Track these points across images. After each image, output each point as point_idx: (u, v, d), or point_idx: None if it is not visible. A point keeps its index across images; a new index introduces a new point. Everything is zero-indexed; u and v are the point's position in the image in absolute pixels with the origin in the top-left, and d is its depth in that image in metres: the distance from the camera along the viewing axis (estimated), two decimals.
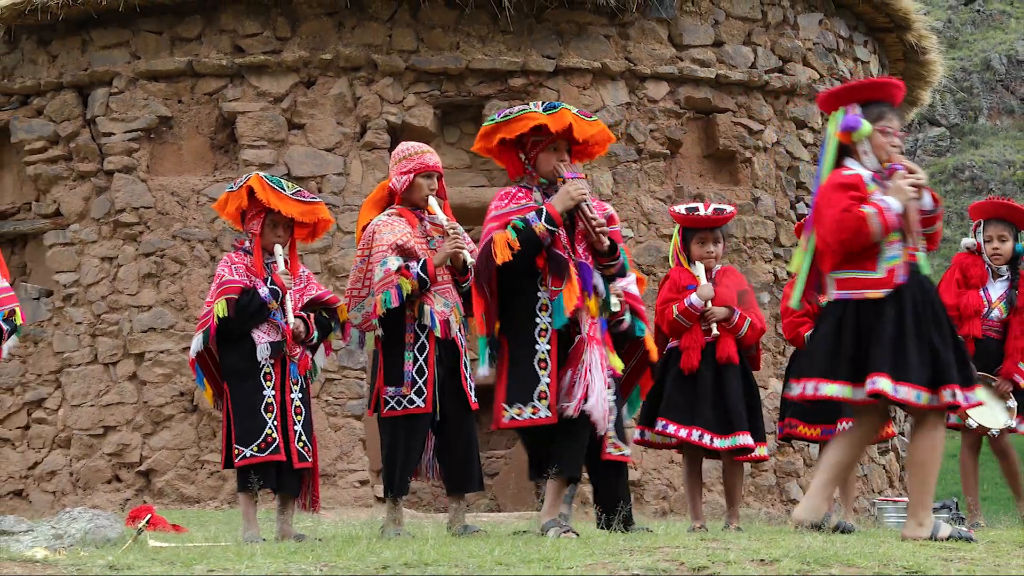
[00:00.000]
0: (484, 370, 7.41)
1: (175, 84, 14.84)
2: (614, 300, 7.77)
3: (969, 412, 9.19)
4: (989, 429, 9.38)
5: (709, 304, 8.89)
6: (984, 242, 9.52)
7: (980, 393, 9.21)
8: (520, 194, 7.40)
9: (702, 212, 9.08)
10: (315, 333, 8.71)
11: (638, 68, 15.18)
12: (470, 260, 8.31)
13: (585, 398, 7.20)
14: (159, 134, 14.83)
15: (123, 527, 7.84)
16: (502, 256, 7.14)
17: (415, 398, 8.20)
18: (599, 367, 7.29)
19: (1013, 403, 9.32)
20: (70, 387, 14.73)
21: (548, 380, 7.17)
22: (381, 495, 8.57)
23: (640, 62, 15.23)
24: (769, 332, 15.26)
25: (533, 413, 7.13)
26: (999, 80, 58.95)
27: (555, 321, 7.25)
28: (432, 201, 8.49)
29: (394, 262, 8.15)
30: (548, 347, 7.22)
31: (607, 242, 7.49)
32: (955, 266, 9.63)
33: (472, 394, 8.48)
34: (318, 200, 8.89)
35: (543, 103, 7.56)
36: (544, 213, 7.22)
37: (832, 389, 6.45)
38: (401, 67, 14.67)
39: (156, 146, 14.84)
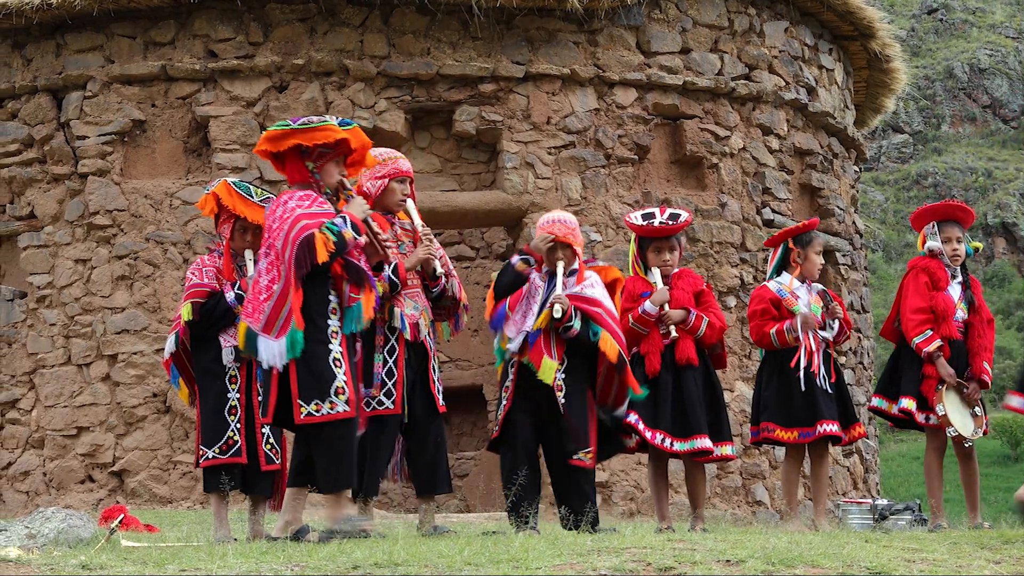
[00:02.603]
0: (280, 362, 7.30)
1: (148, 88, 14.86)
2: (556, 308, 8.00)
3: (953, 421, 9.26)
4: (966, 439, 9.39)
5: (665, 307, 8.92)
6: (943, 243, 9.47)
7: (952, 401, 9.33)
8: (320, 198, 7.56)
9: (657, 221, 9.06)
10: None
11: (606, 74, 15.28)
12: (440, 269, 8.50)
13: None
14: (132, 138, 14.85)
15: (96, 527, 7.91)
16: (323, 254, 7.28)
17: (384, 400, 8.29)
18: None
19: (979, 410, 9.28)
20: (44, 388, 14.74)
21: (345, 378, 7.31)
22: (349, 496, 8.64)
23: (608, 68, 15.33)
24: (735, 336, 15.39)
25: (331, 408, 7.25)
26: (961, 88, 59.16)
27: (348, 327, 7.45)
28: (410, 205, 8.62)
29: None
30: (340, 348, 7.37)
31: (390, 255, 7.92)
32: (918, 270, 9.50)
33: (440, 397, 8.59)
34: None
35: (337, 118, 7.75)
36: (349, 220, 7.43)
37: None
38: (373, 72, 14.74)
39: (129, 149, 14.86)
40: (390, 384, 8.30)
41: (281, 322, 7.26)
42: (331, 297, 7.43)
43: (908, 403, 9.43)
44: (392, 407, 8.30)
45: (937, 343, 9.24)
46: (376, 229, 7.72)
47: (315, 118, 7.68)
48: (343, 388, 7.29)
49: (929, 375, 9.31)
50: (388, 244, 7.86)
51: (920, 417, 9.42)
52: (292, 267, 7.28)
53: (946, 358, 9.28)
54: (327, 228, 7.33)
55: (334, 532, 7.23)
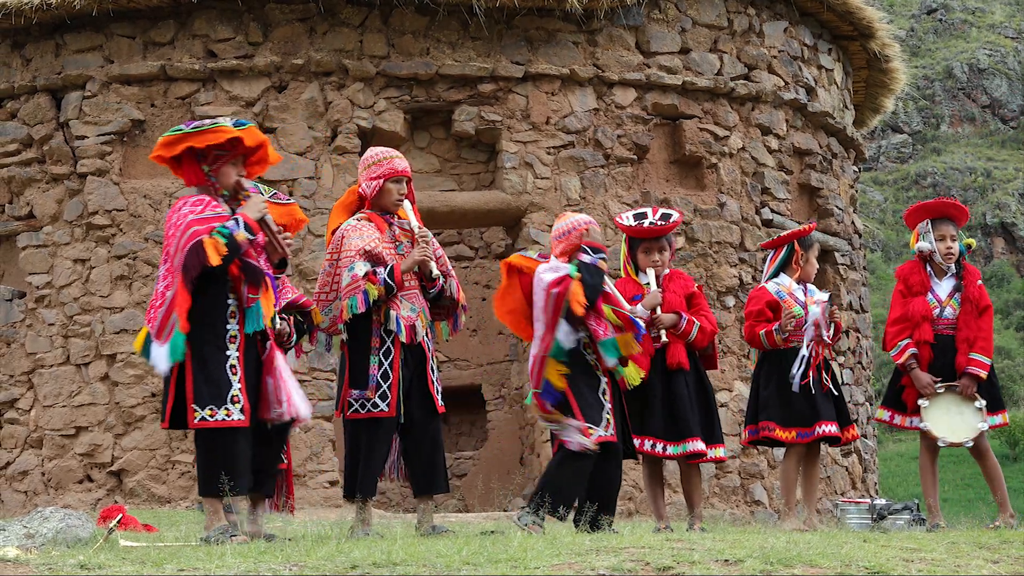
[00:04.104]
0: (165, 366, 7.47)
1: (148, 88, 14.86)
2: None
3: (936, 432, 9.25)
4: (962, 443, 9.36)
5: (657, 311, 8.93)
6: (937, 241, 9.40)
7: (945, 402, 9.29)
8: (214, 202, 7.67)
9: (648, 222, 9.08)
10: (295, 336, 8.74)
11: (606, 74, 15.29)
12: (436, 272, 8.48)
13: (290, 401, 7.69)
14: (132, 137, 14.85)
15: (94, 527, 7.91)
16: (215, 258, 7.39)
17: (379, 402, 8.26)
18: (289, 371, 7.82)
19: (981, 403, 9.22)
20: (42, 388, 14.74)
21: (240, 385, 7.47)
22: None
23: (608, 68, 15.34)
24: (734, 336, 15.39)
25: (227, 415, 7.40)
26: (960, 88, 59.18)
27: (250, 326, 7.58)
28: (406, 206, 8.60)
29: (361, 267, 8.26)
30: (237, 353, 7.52)
31: (288, 252, 7.99)
32: (897, 280, 9.60)
33: (439, 397, 8.57)
34: (292, 201, 8.95)
35: (232, 119, 7.85)
36: (242, 222, 7.55)
37: None
38: (372, 72, 14.74)
39: (129, 149, 14.86)
40: (385, 386, 8.29)
41: (169, 327, 7.43)
42: (230, 300, 7.56)
43: (881, 413, 9.60)
44: (386, 409, 8.28)
45: (909, 352, 9.24)
46: (275, 227, 7.81)
47: (207, 120, 7.82)
48: (238, 396, 7.43)
49: (907, 384, 9.35)
50: (288, 241, 7.95)
51: (905, 422, 9.47)
52: (180, 273, 7.41)
53: (927, 363, 9.27)
54: (218, 232, 7.45)
55: (207, 540, 7.36)
